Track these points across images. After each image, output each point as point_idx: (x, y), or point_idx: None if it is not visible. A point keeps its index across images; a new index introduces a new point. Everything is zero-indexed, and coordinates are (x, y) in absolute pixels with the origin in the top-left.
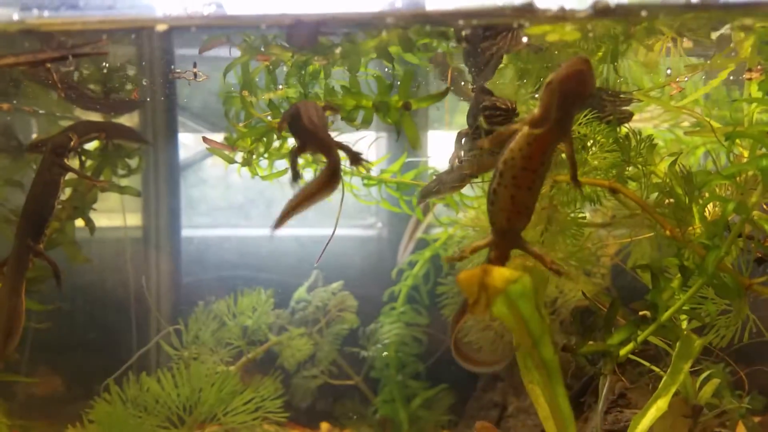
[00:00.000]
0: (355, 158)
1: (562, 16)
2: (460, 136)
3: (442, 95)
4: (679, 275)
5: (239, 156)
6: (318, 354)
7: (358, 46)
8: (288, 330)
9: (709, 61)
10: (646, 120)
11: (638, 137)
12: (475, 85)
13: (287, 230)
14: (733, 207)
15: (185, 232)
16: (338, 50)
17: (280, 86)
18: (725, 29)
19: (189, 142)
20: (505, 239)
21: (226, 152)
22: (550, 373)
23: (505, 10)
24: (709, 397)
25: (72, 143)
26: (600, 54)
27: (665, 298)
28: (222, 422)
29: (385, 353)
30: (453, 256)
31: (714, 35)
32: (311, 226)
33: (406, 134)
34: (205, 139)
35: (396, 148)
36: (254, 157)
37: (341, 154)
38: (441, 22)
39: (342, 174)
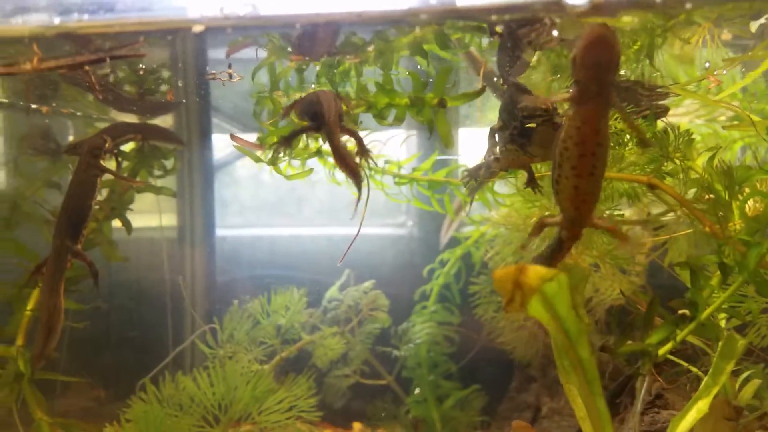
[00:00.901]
0: (363, 150)
1: (591, 10)
2: (492, 131)
3: (477, 94)
4: (718, 273)
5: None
6: (350, 353)
7: (391, 44)
8: (321, 329)
9: (749, 53)
10: (682, 114)
11: (676, 132)
12: (505, 81)
13: (319, 229)
14: None
15: (219, 232)
16: (371, 48)
17: (312, 85)
18: (765, 18)
19: (222, 143)
20: (575, 221)
21: (254, 151)
22: (586, 373)
23: (535, 5)
24: (750, 399)
25: (107, 145)
26: (636, 47)
27: (705, 296)
28: (257, 421)
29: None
30: (531, 232)
31: (754, 25)
32: (343, 225)
33: (438, 132)
34: (232, 137)
35: (427, 147)
36: (281, 155)
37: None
38: (472, 17)
39: (357, 163)
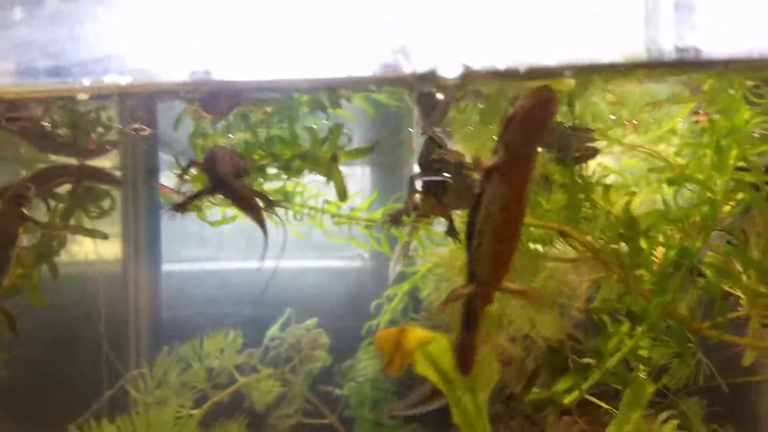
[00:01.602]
0: (269, 203)
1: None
2: (412, 179)
3: (369, 150)
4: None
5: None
6: (290, 393)
7: (293, 101)
8: (259, 371)
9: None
10: (618, 153)
11: (592, 177)
12: (424, 131)
13: (267, 263)
14: (676, 252)
15: (165, 267)
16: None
17: (230, 135)
18: None
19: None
20: (490, 285)
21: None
22: (473, 428)
23: (408, 78)
24: None
25: (31, 192)
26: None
27: (613, 343)
28: None
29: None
30: (439, 306)
31: None
32: (296, 259)
33: (334, 184)
34: (152, 184)
35: (389, 188)
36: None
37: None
38: (354, 87)
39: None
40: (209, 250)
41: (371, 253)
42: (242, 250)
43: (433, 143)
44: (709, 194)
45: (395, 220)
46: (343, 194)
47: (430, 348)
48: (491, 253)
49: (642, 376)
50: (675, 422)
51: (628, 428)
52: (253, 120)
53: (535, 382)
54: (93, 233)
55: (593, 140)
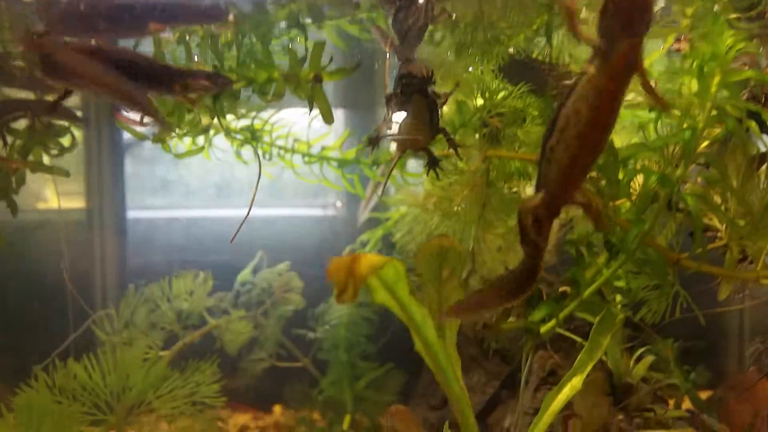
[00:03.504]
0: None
1: None
2: (387, 99)
3: (353, 69)
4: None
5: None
6: (262, 337)
7: (268, 16)
8: (230, 313)
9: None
10: None
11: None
12: (398, 54)
13: (239, 211)
14: (656, 179)
15: (131, 214)
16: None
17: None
18: None
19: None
20: (559, 198)
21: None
22: (436, 357)
23: None
24: (643, 374)
25: None
26: (535, 26)
27: (590, 274)
28: (154, 408)
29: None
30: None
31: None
32: (266, 207)
33: (318, 108)
34: (115, 113)
35: (359, 127)
36: (171, 133)
37: None
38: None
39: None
40: (176, 197)
41: (344, 201)
42: (212, 198)
43: (406, 61)
44: (689, 122)
45: (373, 141)
46: (328, 115)
47: (384, 272)
48: (567, 158)
49: (617, 307)
50: (650, 358)
51: (598, 354)
52: (222, 40)
53: (509, 313)
54: (53, 170)
55: (569, 77)
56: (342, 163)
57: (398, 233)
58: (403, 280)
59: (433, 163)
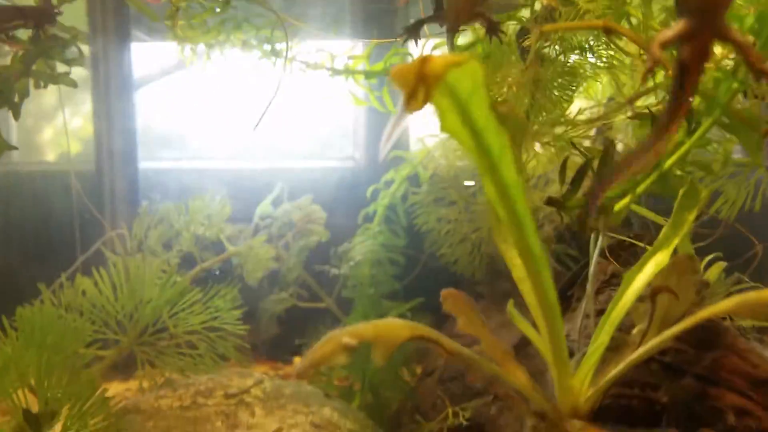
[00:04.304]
0: None
1: None
2: None
3: None
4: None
5: None
6: (284, 269)
7: None
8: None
9: None
10: None
11: None
12: None
13: (256, 163)
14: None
15: (142, 165)
16: None
17: None
18: None
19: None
20: (706, 27)
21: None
22: (513, 203)
23: None
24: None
25: None
26: None
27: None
28: (167, 326)
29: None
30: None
31: None
32: (283, 159)
33: None
34: None
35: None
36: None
37: None
38: None
39: None
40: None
41: (364, 154)
42: (229, 150)
43: None
44: None
45: (413, 30)
46: None
47: (457, 79)
48: None
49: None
50: (722, 264)
51: (683, 230)
52: None
53: (580, 184)
54: (60, 79)
55: None
56: (369, 75)
57: (427, 173)
58: (480, 90)
59: (492, 29)
